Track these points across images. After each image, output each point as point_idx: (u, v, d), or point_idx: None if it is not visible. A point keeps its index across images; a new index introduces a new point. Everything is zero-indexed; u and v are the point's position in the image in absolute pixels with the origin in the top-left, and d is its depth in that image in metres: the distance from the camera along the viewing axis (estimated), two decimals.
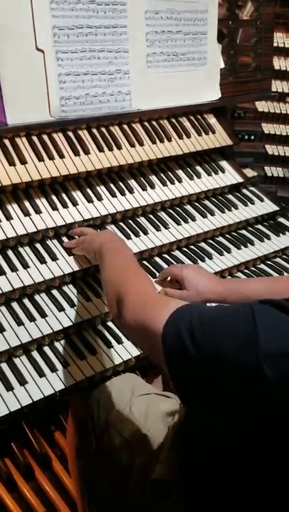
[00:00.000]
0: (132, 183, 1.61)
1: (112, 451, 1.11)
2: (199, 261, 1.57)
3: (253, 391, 0.67)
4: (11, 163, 1.39)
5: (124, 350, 1.31)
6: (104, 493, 1.14)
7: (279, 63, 2.23)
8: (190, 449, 0.94)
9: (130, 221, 1.56)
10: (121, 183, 1.59)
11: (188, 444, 0.95)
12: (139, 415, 1.11)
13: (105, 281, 1.12)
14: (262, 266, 1.69)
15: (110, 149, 1.57)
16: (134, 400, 1.15)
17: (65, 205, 1.45)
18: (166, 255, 1.56)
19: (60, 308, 1.32)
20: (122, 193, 1.56)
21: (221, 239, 1.70)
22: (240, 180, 1.84)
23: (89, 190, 1.52)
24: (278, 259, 1.74)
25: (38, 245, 1.39)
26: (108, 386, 1.21)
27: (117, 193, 1.56)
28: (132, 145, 1.62)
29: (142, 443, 1.06)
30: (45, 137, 1.49)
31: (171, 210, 1.66)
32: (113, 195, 1.55)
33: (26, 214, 1.39)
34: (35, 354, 1.26)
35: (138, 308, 0.91)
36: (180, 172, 1.73)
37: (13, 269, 1.31)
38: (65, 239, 1.44)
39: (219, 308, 0.81)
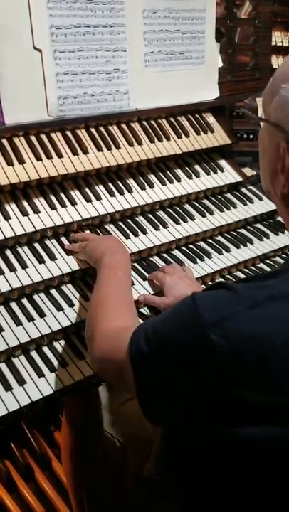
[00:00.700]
0: (131, 182, 1.61)
1: (106, 451, 1.11)
2: (198, 260, 1.56)
3: (206, 371, 0.72)
4: (9, 163, 1.39)
5: None
6: (102, 493, 1.14)
7: (277, 62, 2.23)
8: (171, 446, 0.94)
9: (129, 221, 1.56)
10: (120, 183, 1.58)
11: (169, 442, 0.95)
12: (133, 415, 1.11)
13: (89, 309, 1.16)
14: (261, 265, 1.69)
15: (109, 149, 1.57)
16: (127, 400, 1.15)
17: (63, 205, 1.45)
18: (165, 255, 1.56)
19: (59, 308, 1.31)
20: (121, 193, 1.56)
21: (220, 238, 1.69)
22: (239, 179, 1.84)
23: (87, 190, 1.52)
24: (277, 258, 1.74)
25: (37, 245, 1.39)
26: (103, 386, 1.21)
27: (116, 193, 1.55)
28: (131, 144, 1.62)
29: (136, 443, 1.07)
30: (44, 137, 1.48)
31: (170, 210, 1.65)
32: (112, 194, 1.54)
33: (25, 214, 1.39)
34: (34, 354, 1.25)
35: (103, 346, 0.98)
36: (179, 171, 1.72)
37: (12, 269, 1.31)
38: (63, 239, 1.43)
39: (169, 308, 0.87)
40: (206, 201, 1.75)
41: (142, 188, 1.61)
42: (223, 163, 1.84)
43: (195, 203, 1.72)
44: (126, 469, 1.05)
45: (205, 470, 0.83)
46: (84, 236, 1.41)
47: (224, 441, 0.75)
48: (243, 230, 1.76)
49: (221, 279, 1.58)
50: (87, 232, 1.47)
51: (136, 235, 1.52)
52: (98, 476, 1.14)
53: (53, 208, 1.43)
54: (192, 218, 1.65)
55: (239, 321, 0.71)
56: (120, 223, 1.54)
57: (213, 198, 1.77)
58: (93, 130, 1.58)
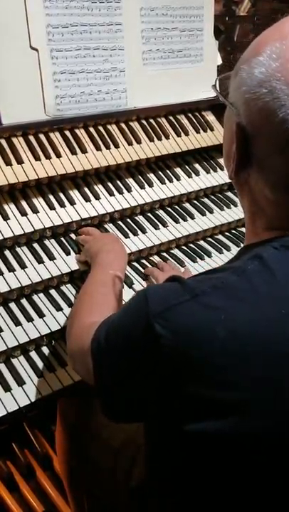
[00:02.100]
0: (130, 181, 1.60)
1: (99, 453, 1.11)
2: (199, 259, 1.56)
3: (153, 363, 0.72)
4: (8, 163, 1.39)
5: None
6: (100, 494, 1.14)
7: None
8: (152, 448, 0.93)
9: (129, 220, 1.55)
10: (119, 182, 1.58)
11: (150, 444, 0.94)
12: None
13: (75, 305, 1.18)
14: None
15: (108, 148, 1.56)
16: None
17: (62, 205, 1.45)
18: (165, 254, 1.55)
19: (58, 308, 1.31)
20: (120, 192, 1.56)
21: (220, 237, 1.69)
22: None
23: (86, 189, 1.51)
24: None
25: (36, 245, 1.39)
26: None
27: (115, 192, 1.55)
28: (130, 143, 1.61)
29: (128, 447, 1.07)
30: (42, 136, 1.48)
31: (169, 209, 1.65)
32: (111, 193, 1.54)
33: (23, 214, 1.38)
34: (33, 354, 1.25)
35: (75, 342, 0.99)
36: (178, 170, 1.72)
37: (11, 269, 1.31)
38: (62, 239, 1.43)
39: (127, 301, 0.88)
40: (206, 200, 1.74)
41: (142, 187, 1.60)
42: (222, 161, 1.83)
43: (195, 201, 1.71)
44: (116, 473, 1.05)
45: (181, 470, 0.81)
46: (89, 230, 1.42)
47: (183, 437, 0.74)
48: (243, 229, 1.75)
49: None
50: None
51: (135, 234, 1.51)
52: (94, 477, 1.14)
53: (51, 207, 1.43)
54: (192, 217, 1.64)
55: (182, 311, 0.71)
56: (120, 223, 1.54)
57: (213, 197, 1.76)
58: (92, 129, 1.57)
